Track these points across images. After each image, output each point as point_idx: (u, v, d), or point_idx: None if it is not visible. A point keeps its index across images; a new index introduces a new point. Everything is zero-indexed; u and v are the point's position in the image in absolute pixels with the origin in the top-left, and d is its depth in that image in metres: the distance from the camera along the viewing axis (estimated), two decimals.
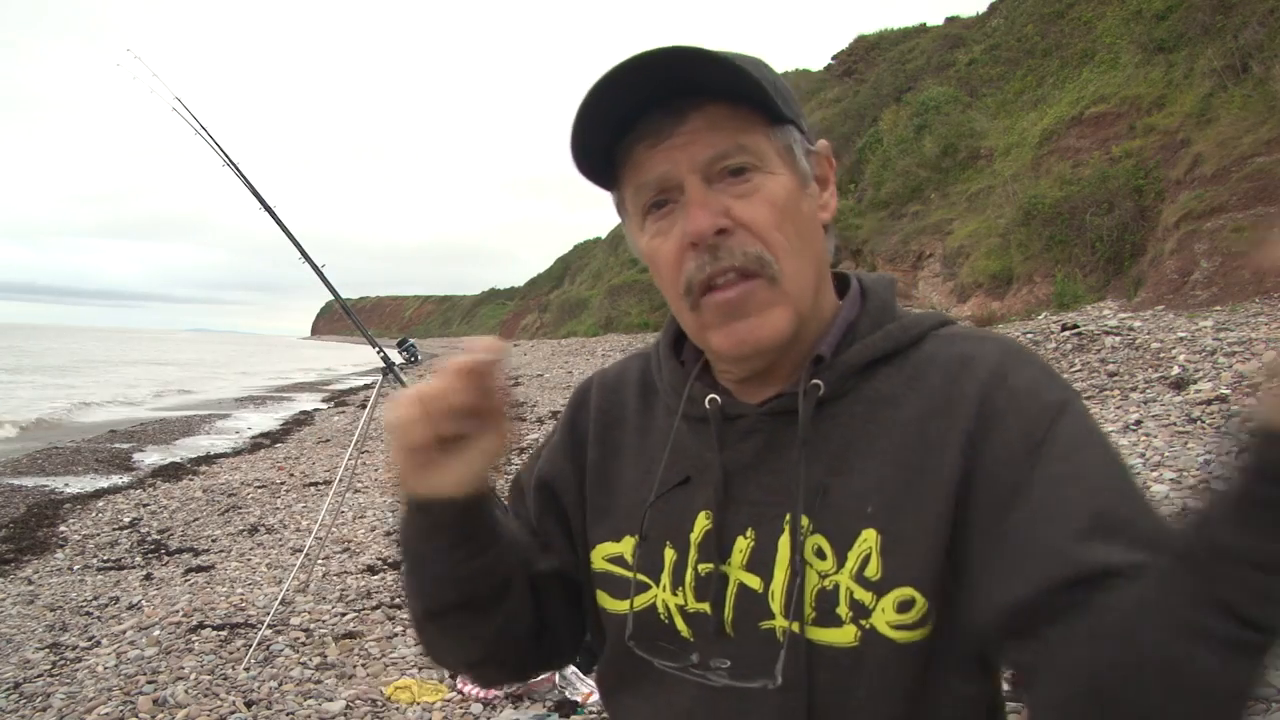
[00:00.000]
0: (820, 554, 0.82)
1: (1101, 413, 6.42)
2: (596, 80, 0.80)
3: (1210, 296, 8.81)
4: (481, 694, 3.45)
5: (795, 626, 0.81)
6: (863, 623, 0.80)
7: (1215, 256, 9.16)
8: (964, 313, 12.97)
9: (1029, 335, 9.18)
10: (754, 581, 0.84)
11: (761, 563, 0.84)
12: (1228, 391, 5.95)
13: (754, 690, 0.83)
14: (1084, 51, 15.84)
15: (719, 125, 0.82)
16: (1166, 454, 5.17)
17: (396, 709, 3.45)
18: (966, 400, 0.80)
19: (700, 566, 0.87)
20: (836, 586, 0.80)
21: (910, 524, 0.79)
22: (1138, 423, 5.92)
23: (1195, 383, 6.36)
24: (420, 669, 3.80)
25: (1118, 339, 8.02)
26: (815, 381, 0.85)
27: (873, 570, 0.79)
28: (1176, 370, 6.74)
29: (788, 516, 0.83)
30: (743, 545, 0.85)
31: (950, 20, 24.31)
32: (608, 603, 0.94)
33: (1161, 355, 7.22)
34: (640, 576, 0.91)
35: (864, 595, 0.80)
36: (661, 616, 0.89)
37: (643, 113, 0.82)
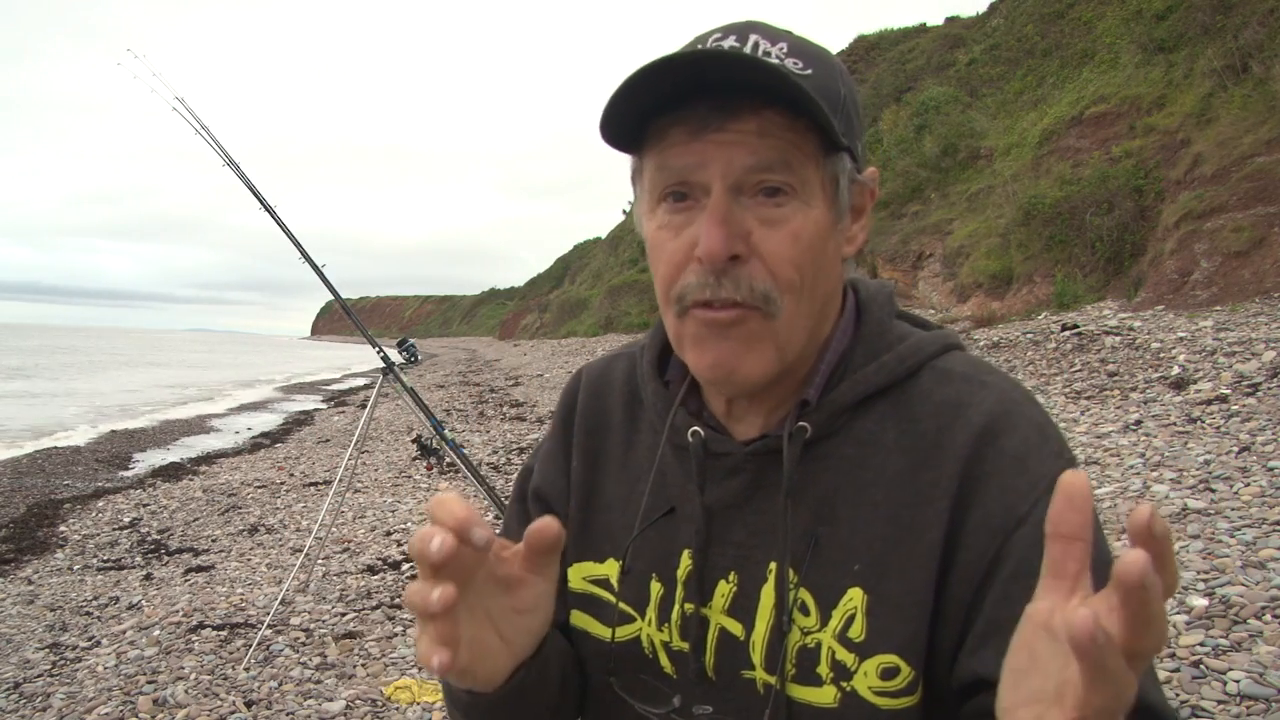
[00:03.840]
0: (804, 609, 0.78)
1: (1101, 413, 6.42)
2: (651, 61, 0.73)
3: (1210, 296, 8.80)
4: None
5: (776, 682, 0.78)
6: (844, 684, 0.76)
7: (1215, 256, 9.15)
8: (964, 313, 12.96)
9: (1029, 335, 9.18)
10: (735, 628, 0.81)
11: (743, 609, 0.81)
12: (1228, 391, 5.95)
13: None
14: (1084, 51, 15.83)
15: (770, 134, 0.74)
16: (1166, 454, 5.16)
17: (396, 709, 3.45)
18: (955, 457, 0.76)
19: (686, 605, 0.84)
20: (819, 645, 0.77)
21: (897, 587, 0.76)
22: (1138, 423, 5.92)
23: (1195, 383, 6.35)
24: (420, 669, 3.80)
25: (1118, 339, 8.02)
26: (801, 424, 0.80)
27: (856, 631, 0.76)
28: (1176, 370, 6.74)
29: (772, 565, 0.80)
30: (724, 590, 0.82)
31: (950, 20, 24.29)
32: (590, 625, 0.90)
33: (1161, 355, 7.22)
34: (624, 607, 0.87)
35: (846, 656, 0.76)
36: (646, 651, 0.86)
37: (686, 100, 0.75)
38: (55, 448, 13.46)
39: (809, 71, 0.76)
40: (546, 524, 0.68)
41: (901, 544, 0.76)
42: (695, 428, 0.85)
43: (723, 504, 0.83)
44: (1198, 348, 7.04)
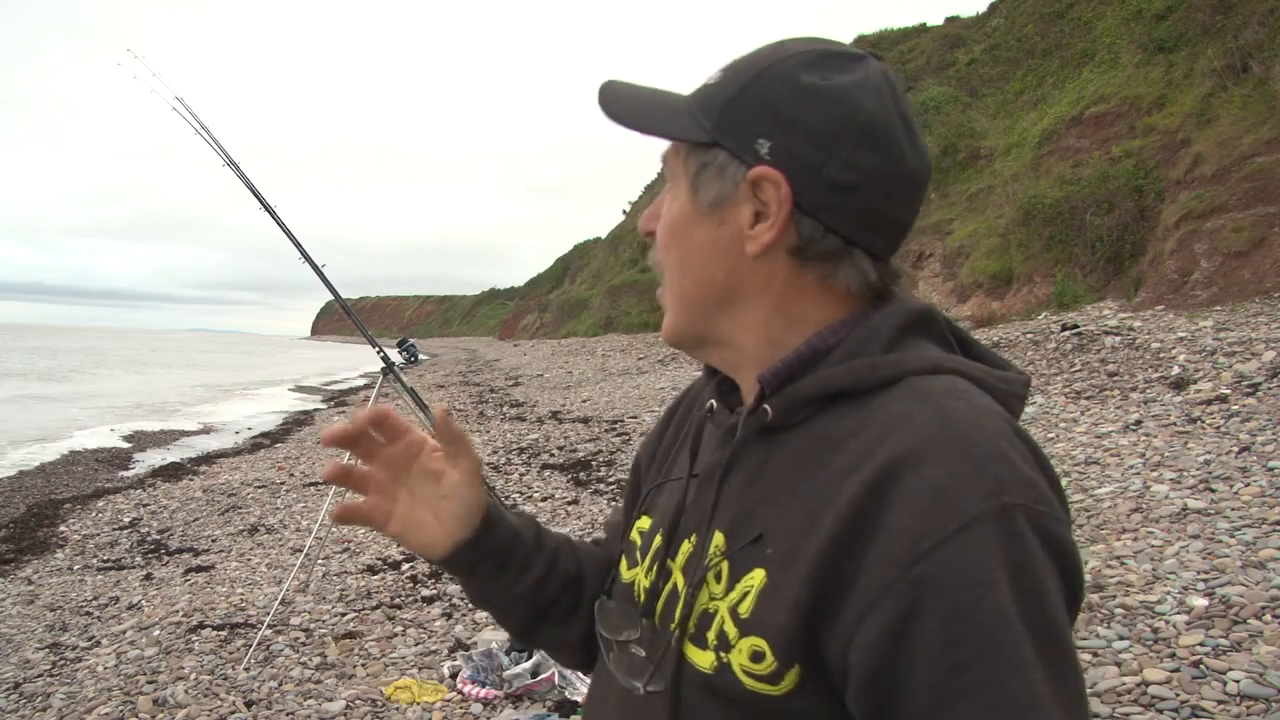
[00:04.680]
0: (718, 577, 0.83)
1: (1101, 413, 6.42)
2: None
3: (1210, 296, 8.80)
4: (481, 694, 3.45)
5: (675, 629, 0.84)
6: (722, 655, 0.80)
7: (1215, 256, 9.15)
8: (964, 313, 12.96)
9: (1029, 335, 9.18)
10: (681, 583, 0.88)
11: (691, 569, 0.87)
12: (1228, 391, 5.95)
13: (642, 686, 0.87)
14: (1084, 51, 15.82)
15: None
16: (1166, 454, 5.16)
17: (396, 709, 3.45)
18: (873, 468, 0.74)
19: (668, 560, 0.92)
20: (716, 611, 0.82)
21: (789, 577, 0.76)
22: (1138, 423, 5.92)
23: (1195, 383, 6.35)
24: (420, 669, 3.80)
25: (1118, 339, 8.02)
26: (764, 407, 0.84)
27: (745, 608, 0.79)
28: (1176, 370, 6.74)
29: (718, 532, 0.85)
30: (685, 548, 0.89)
31: (950, 20, 24.28)
32: (621, 568, 1.00)
33: (1161, 355, 7.22)
34: (638, 554, 0.98)
35: (731, 629, 0.80)
36: (635, 594, 0.95)
37: None
38: (84, 449, 13.47)
39: (712, 82, 0.86)
40: (440, 410, 0.90)
41: (807, 540, 0.77)
42: (711, 401, 0.95)
43: (708, 472, 0.90)
44: (1198, 348, 7.04)
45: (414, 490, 0.93)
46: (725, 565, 0.83)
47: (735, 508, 0.84)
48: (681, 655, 0.84)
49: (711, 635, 0.81)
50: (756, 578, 0.79)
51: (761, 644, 0.77)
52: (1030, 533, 0.70)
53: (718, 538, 0.84)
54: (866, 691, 0.72)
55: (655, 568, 0.92)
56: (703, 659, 0.82)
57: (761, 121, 0.81)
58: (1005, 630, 0.67)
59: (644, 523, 1.00)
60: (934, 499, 0.70)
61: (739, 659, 0.79)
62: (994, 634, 0.67)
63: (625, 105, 0.89)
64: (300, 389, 28.89)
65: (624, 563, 1.01)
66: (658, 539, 0.94)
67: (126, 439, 15.05)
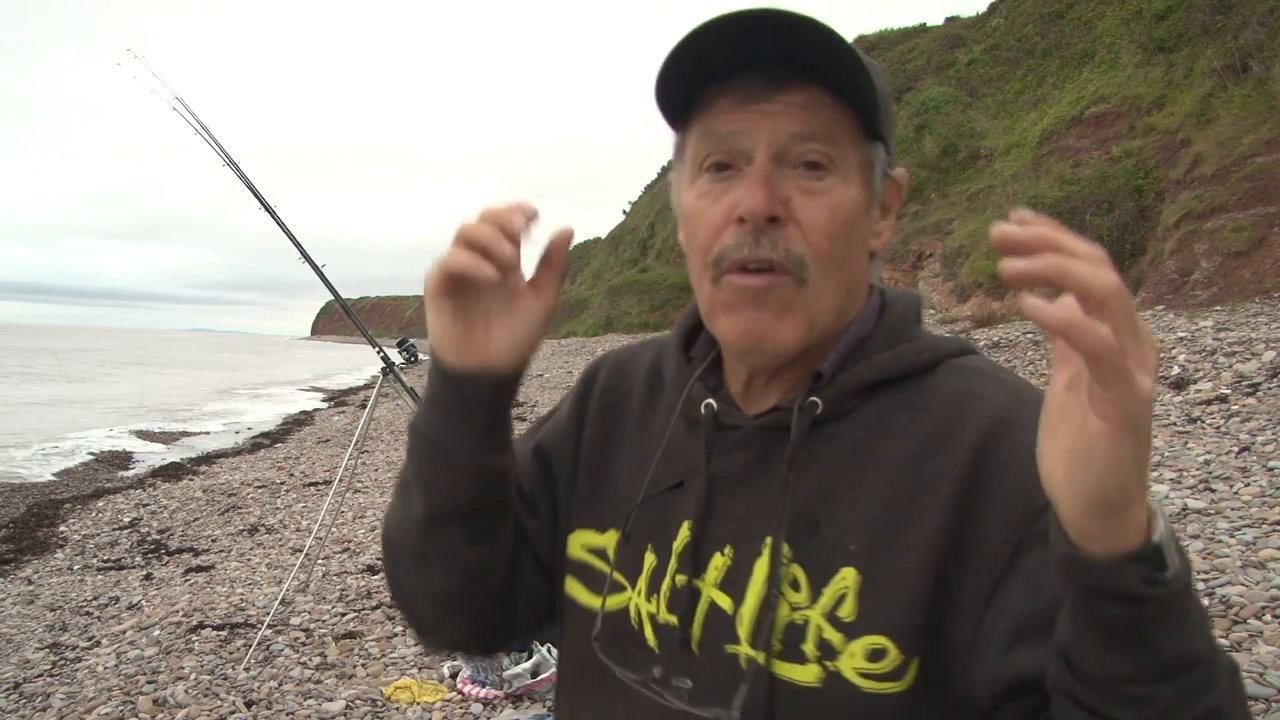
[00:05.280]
0: (795, 585, 0.78)
1: None
2: (704, 21, 0.75)
3: (1210, 296, 8.80)
4: (481, 694, 3.45)
5: (760, 657, 0.77)
6: (828, 664, 0.75)
7: (1215, 256, 9.16)
8: (964, 312, 12.97)
9: (1029, 335, 9.18)
10: (725, 601, 0.81)
11: (734, 583, 0.81)
12: (1228, 391, 5.95)
13: None
14: (1084, 51, 15.83)
15: (816, 108, 0.77)
16: (1166, 454, 5.16)
17: (396, 709, 3.45)
18: (964, 445, 0.76)
19: (677, 577, 0.84)
20: (806, 621, 0.77)
21: (892, 570, 0.76)
22: None
23: (1195, 383, 6.35)
24: (420, 669, 3.80)
25: None
26: (813, 399, 0.81)
27: (847, 611, 0.76)
28: (1176, 370, 6.74)
29: (768, 539, 0.80)
30: (719, 562, 0.83)
31: (950, 20, 24.28)
32: (579, 594, 0.91)
33: (1161, 355, 7.22)
34: (618, 576, 0.88)
35: (833, 635, 0.76)
36: (632, 622, 0.86)
37: (736, 70, 0.77)
38: (55, 447, 13.47)
39: (861, 59, 0.78)
40: (566, 230, 0.82)
41: (900, 528, 0.76)
42: (709, 400, 0.87)
43: (727, 477, 0.84)
44: (1198, 348, 7.04)
45: (484, 301, 0.82)
46: (799, 572, 0.78)
47: (790, 509, 0.80)
48: (771, 675, 0.77)
49: (809, 646, 0.76)
50: (848, 577, 0.76)
51: (881, 641, 0.75)
52: None
53: (773, 540, 0.79)
54: (1014, 645, 0.71)
55: (668, 591, 0.84)
56: (804, 674, 0.76)
57: (888, 122, 0.83)
58: None
59: (596, 538, 0.91)
60: (1032, 458, 0.70)
61: (852, 663, 0.75)
62: None
63: (872, 70, 0.78)
64: (317, 389, 28.89)
65: (578, 587, 0.92)
66: (650, 558, 0.87)
67: (140, 436, 15.06)
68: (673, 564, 0.85)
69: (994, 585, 0.73)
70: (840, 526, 0.78)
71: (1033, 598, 0.71)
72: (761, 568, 0.80)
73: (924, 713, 0.75)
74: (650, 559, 0.86)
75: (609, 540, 0.90)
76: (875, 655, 0.75)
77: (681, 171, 0.85)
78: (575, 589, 0.92)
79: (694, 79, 0.79)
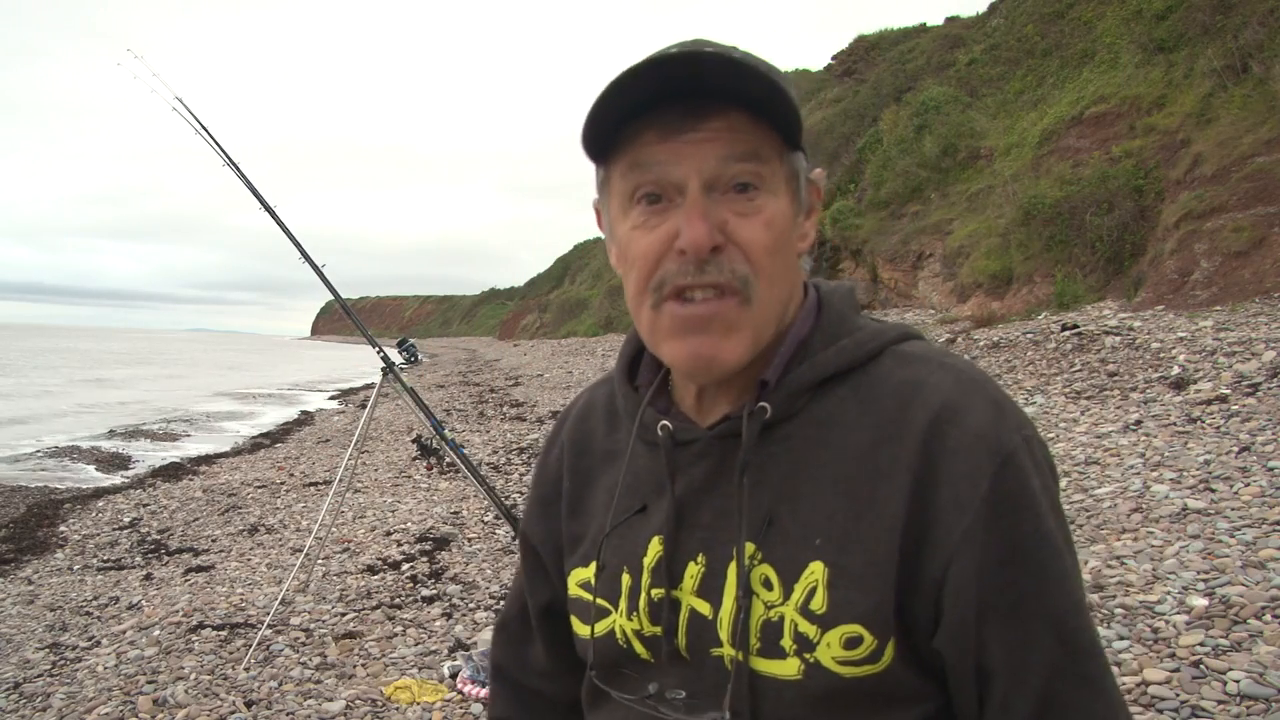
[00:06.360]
0: (767, 584, 0.81)
1: (1101, 413, 6.42)
2: (629, 66, 0.78)
3: (1210, 296, 8.80)
4: (482, 694, 3.45)
5: (740, 656, 0.81)
6: (807, 656, 0.79)
7: (1215, 256, 9.15)
8: (964, 313, 12.95)
9: (1029, 335, 9.18)
10: (704, 607, 0.84)
11: (712, 589, 0.84)
12: (1228, 391, 5.95)
13: None
14: (1084, 51, 15.81)
15: (738, 133, 0.79)
16: (1166, 454, 5.16)
17: (396, 709, 3.45)
18: (915, 433, 0.79)
19: (653, 591, 0.87)
20: (782, 618, 0.80)
21: (858, 559, 0.78)
22: (1138, 423, 5.92)
23: (1195, 383, 6.35)
24: (420, 669, 3.80)
25: (1118, 339, 8.02)
26: (761, 404, 0.84)
27: (818, 604, 0.79)
28: (1176, 370, 6.73)
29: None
30: (694, 570, 0.86)
31: (950, 20, 24.27)
32: (578, 627, 0.96)
33: (1161, 355, 7.22)
34: (600, 601, 0.92)
35: (808, 628, 0.79)
36: (620, 641, 0.90)
37: (657, 104, 0.79)
38: (55, 447, 13.46)
39: (774, 78, 0.81)
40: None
41: (862, 518, 0.79)
42: (664, 421, 0.89)
43: (691, 489, 0.87)
44: (1198, 348, 7.04)
45: None
46: (769, 571, 0.81)
47: (749, 512, 0.83)
48: (753, 673, 0.81)
49: (786, 642, 0.80)
50: (816, 571, 0.79)
51: (855, 629, 0.78)
52: (1042, 455, 0.81)
53: (748, 546, 0.82)
54: (963, 627, 0.77)
55: (646, 606, 0.88)
56: (783, 668, 0.80)
57: (799, 123, 0.84)
58: (1049, 546, 0.78)
59: (584, 572, 0.95)
60: (978, 443, 0.77)
61: (830, 653, 0.78)
62: (1049, 549, 0.78)
63: (779, 78, 0.80)
64: (319, 390, 28.83)
65: (576, 620, 0.97)
66: (626, 578, 0.90)
67: (140, 436, 15.05)
68: (645, 579, 0.88)
69: (946, 567, 0.77)
70: (804, 523, 0.81)
71: (992, 589, 0.76)
72: (735, 571, 0.83)
73: (908, 682, 0.79)
74: (626, 579, 0.90)
75: (590, 571, 0.94)
76: (851, 643, 0.78)
77: (608, 202, 0.87)
78: (575, 624, 0.97)
79: (617, 115, 0.81)
